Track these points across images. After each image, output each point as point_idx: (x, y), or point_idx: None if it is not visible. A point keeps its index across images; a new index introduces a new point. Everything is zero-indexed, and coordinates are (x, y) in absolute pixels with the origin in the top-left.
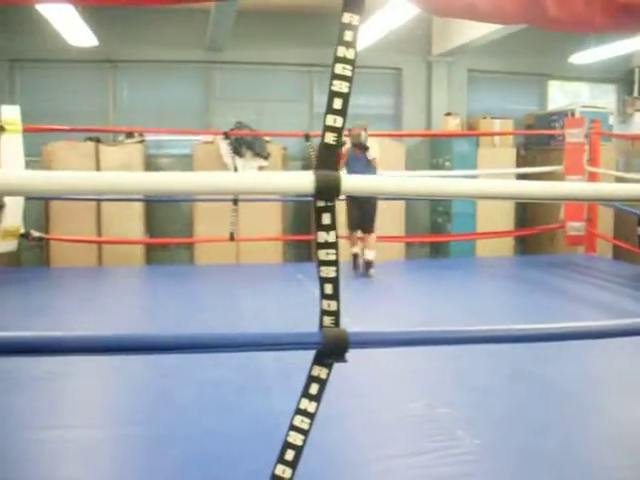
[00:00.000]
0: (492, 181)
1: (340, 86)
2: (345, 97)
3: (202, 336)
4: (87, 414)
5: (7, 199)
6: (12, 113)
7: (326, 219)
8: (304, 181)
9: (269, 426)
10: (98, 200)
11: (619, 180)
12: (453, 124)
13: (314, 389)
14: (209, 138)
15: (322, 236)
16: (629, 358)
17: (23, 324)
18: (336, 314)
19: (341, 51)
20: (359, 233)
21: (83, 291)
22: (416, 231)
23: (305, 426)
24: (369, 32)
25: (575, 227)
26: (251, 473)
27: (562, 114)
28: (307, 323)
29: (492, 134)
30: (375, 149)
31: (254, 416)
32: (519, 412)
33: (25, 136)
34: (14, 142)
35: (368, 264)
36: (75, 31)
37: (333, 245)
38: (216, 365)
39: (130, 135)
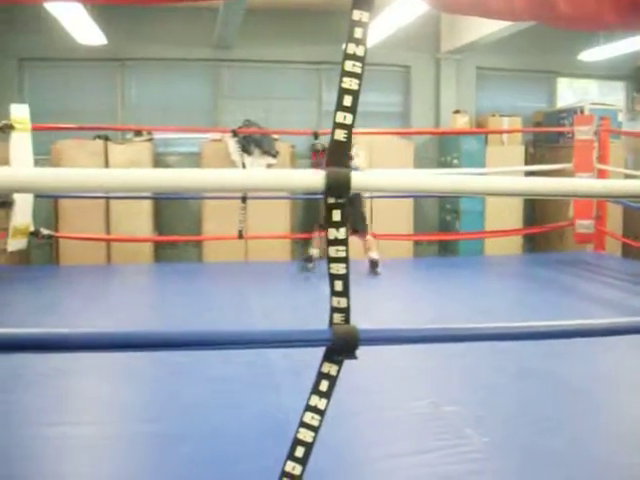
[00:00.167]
0: (501, 178)
1: (350, 83)
2: (355, 94)
3: (211, 333)
4: (94, 411)
5: (17, 197)
6: (21, 112)
7: (336, 216)
8: (315, 178)
9: (279, 423)
10: (107, 198)
11: (628, 177)
12: (461, 122)
13: (324, 386)
14: (217, 136)
15: (332, 233)
16: (638, 355)
17: (32, 321)
18: (346, 311)
19: (351, 48)
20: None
21: (92, 289)
22: (424, 229)
23: (315, 423)
24: (378, 29)
25: (584, 225)
26: (261, 470)
27: (571, 111)
28: (316, 320)
29: (501, 132)
30: (361, 158)
31: (264, 413)
32: (527, 410)
33: (34, 134)
34: (23, 140)
35: (374, 263)
36: (84, 30)
37: (343, 242)
38: (225, 362)
39: (138, 133)
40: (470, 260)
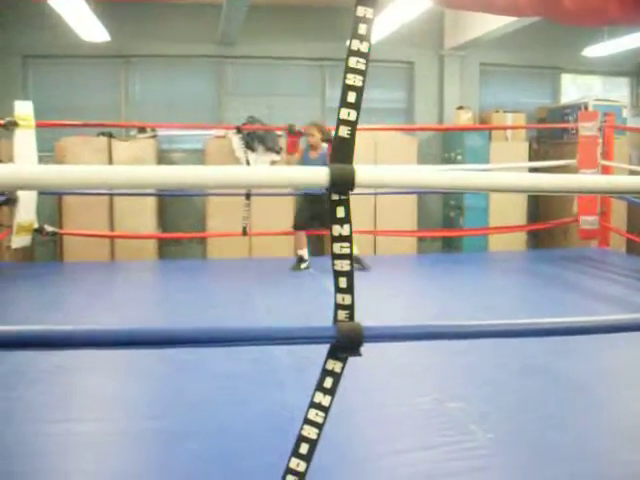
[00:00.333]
0: (504, 174)
1: (354, 79)
2: (359, 91)
3: (216, 330)
4: (99, 408)
5: (21, 194)
6: (25, 108)
7: (340, 212)
8: (319, 174)
9: (283, 420)
10: (111, 195)
11: (633, 173)
12: (465, 118)
13: (328, 383)
14: (221, 133)
15: (336, 229)
16: None
17: (36, 318)
18: (350, 308)
19: (355, 44)
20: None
21: (96, 285)
22: (428, 225)
23: (319, 420)
24: (381, 26)
25: (588, 221)
26: (266, 467)
27: (575, 107)
28: (320, 317)
29: (504, 128)
30: None
31: (268, 410)
32: (531, 406)
33: (38, 131)
34: (27, 137)
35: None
36: (87, 26)
37: (347, 238)
38: (229, 359)
39: (142, 130)
40: (474, 256)
